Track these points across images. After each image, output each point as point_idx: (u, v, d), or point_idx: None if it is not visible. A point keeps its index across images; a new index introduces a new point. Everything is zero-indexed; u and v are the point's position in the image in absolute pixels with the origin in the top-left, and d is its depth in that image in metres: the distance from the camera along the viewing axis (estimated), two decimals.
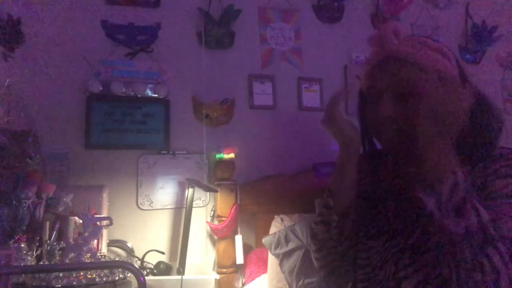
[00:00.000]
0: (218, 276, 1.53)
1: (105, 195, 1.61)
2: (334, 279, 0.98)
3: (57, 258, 1.28)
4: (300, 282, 1.44)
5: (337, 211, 0.92)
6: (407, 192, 0.88)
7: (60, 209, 1.41)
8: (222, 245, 1.73)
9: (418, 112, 0.77)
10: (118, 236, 1.67)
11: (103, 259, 1.39)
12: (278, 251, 1.52)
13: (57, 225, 1.37)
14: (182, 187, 1.80)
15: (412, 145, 0.78)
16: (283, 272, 1.49)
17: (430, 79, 0.82)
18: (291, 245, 1.51)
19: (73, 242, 1.32)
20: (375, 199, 0.96)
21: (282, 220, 1.65)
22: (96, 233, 1.35)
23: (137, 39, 1.85)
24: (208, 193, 1.81)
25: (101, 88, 1.74)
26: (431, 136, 0.76)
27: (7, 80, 1.52)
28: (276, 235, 1.55)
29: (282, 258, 1.51)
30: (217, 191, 1.74)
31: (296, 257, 1.49)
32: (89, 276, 1.18)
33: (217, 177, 1.79)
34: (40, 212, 1.33)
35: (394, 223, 0.89)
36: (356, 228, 0.94)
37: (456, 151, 0.77)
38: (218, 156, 1.79)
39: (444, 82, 0.82)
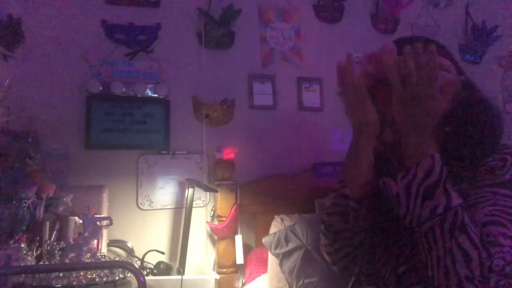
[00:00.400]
0: (218, 276, 1.53)
1: (105, 195, 1.61)
2: (350, 273, 0.96)
3: (57, 258, 1.28)
4: (300, 282, 1.44)
5: (356, 198, 0.91)
6: None
7: (60, 209, 1.41)
8: (222, 245, 1.73)
9: (395, 96, 0.80)
10: (118, 236, 1.67)
11: (103, 259, 1.39)
12: (278, 251, 1.52)
13: (57, 225, 1.37)
14: (182, 187, 1.80)
15: (393, 131, 0.82)
16: (283, 272, 1.49)
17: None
18: (291, 245, 1.51)
19: (73, 242, 1.32)
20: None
21: (282, 220, 1.65)
22: (96, 233, 1.35)
23: (137, 39, 1.85)
24: (208, 193, 1.81)
25: (101, 88, 1.74)
26: (410, 120, 0.78)
27: (7, 80, 1.52)
28: (276, 235, 1.55)
29: (282, 258, 1.51)
30: (217, 191, 1.74)
31: (296, 257, 1.49)
32: (89, 276, 1.18)
33: (217, 177, 1.79)
34: (40, 212, 1.33)
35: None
36: (370, 217, 0.92)
37: (440, 139, 0.80)
38: (218, 156, 1.79)
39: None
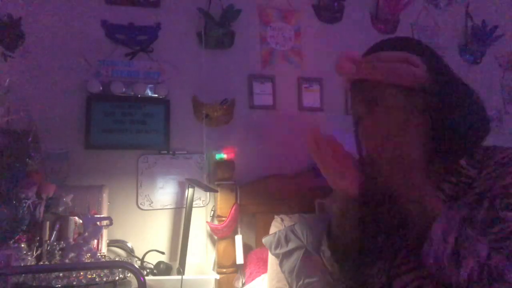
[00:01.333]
0: (218, 276, 1.53)
1: (105, 195, 1.61)
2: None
3: (57, 258, 1.28)
4: (300, 282, 1.44)
5: (336, 259, 0.91)
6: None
7: (60, 209, 1.41)
8: (222, 245, 1.73)
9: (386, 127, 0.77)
10: (118, 236, 1.67)
11: (103, 259, 1.39)
12: (278, 251, 1.52)
13: (57, 225, 1.37)
14: (182, 187, 1.80)
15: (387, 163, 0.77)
16: (283, 272, 1.49)
17: (395, 93, 0.78)
18: (291, 245, 1.51)
19: (73, 242, 1.32)
20: (371, 199, 0.90)
21: (282, 220, 1.65)
22: (96, 233, 1.35)
23: (137, 39, 1.85)
24: (208, 193, 1.81)
25: (101, 88, 1.74)
26: (399, 153, 0.75)
27: (7, 80, 1.52)
28: (276, 235, 1.55)
29: (282, 258, 1.51)
30: (217, 191, 1.74)
31: (296, 257, 1.49)
32: (89, 276, 1.18)
33: (217, 177, 1.79)
34: (40, 212, 1.33)
35: (389, 225, 0.84)
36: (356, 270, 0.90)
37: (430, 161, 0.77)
38: (218, 156, 1.79)
39: (408, 92, 0.77)
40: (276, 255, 1.53)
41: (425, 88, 0.75)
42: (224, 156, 1.79)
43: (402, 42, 0.87)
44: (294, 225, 1.57)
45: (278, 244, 1.53)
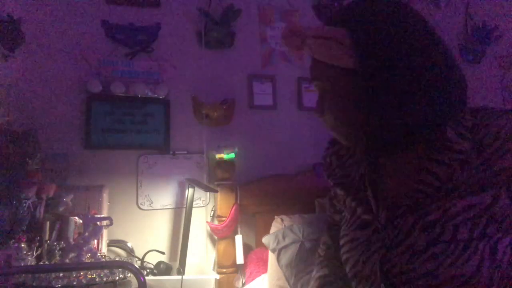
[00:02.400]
0: (218, 276, 1.53)
1: (105, 195, 1.61)
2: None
3: (57, 258, 1.28)
4: (297, 275, 1.44)
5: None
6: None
7: (60, 209, 1.41)
8: (222, 245, 1.73)
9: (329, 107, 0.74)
10: (118, 236, 1.67)
11: (103, 259, 1.39)
12: (275, 246, 1.52)
13: (57, 225, 1.37)
14: (182, 187, 1.80)
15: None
16: (281, 266, 1.49)
17: (333, 71, 0.71)
18: (287, 240, 1.51)
19: (73, 242, 1.33)
20: (357, 188, 0.83)
21: (282, 220, 1.65)
22: (96, 233, 1.35)
23: (137, 39, 1.85)
24: (208, 193, 1.81)
25: (101, 88, 1.74)
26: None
27: (7, 80, 1.52)
28: (276, 234, 1.55)
29: (279, 252, 1.51)
30: (217, 191, 1.74)
31: (292, 250, 1.48)
32: (89, 276, 1.18)
33: (217, 177, 1.79)
34: (40, 212, 1.33)
35: (378, 215, 0.76)
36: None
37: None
38: (218, 156, 1.79)
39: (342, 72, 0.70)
40: (274, 251, 1.53)
41: (355, 70, 0.67)
42: (224, 156, 1.79)
43: (346, 14, 0.72)
44: (292, 225, 1.57)
45: (276, 241, 1.53)
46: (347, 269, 0.82)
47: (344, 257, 0.83)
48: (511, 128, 0.66)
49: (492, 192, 0.63)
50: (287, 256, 1.48)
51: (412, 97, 0.66)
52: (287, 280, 1.46)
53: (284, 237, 1.52)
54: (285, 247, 1.50)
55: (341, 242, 0.85)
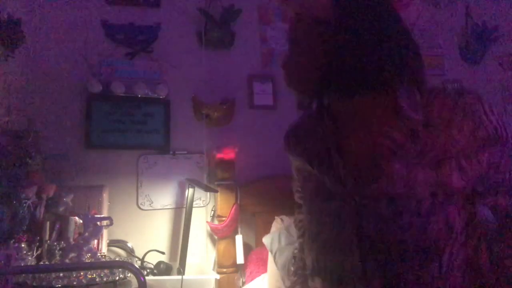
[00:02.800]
0: (218, 276, 1.53)
1: (105, 195, 1.61)
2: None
3: (57, 258, 1.28)
4: (292, 277, 1.44)
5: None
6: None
7: (60, 209, 1.41)
8: (222, 245, 1.73)
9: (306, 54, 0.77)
10: (118, 236, 1.67)
11: (103, 259, 1.39)
12: (273, 247, 1.52)
13: (57, 225, 1.37)
14: (182, 187, 1.80)
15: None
16: (278, 268, 1.49)
17: (306, 27, 0.76)
18: (284, 242, 1.51)
19: (73, 242, 1.33)
20: (321, 158, 0.83)
21: (282, 220, 1.65)
22: (97, 233, 1.36)
23: (137, 39, 1.85)
24: (208, 193, 1.81)
25: (101, 88, 1.74)
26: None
27: (7, 80, 1.52)
28: (276, 234, 1.55)
29: (276, 253, 1.51)
30: (217, 191, 1.74)
31: (289, 251, 1.48)
32: (89, 276, 1.18)
33: (217, 177, 1.79)
34: (40, 212, 1.33)
35: (346, 183, 0.76)
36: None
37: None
38: (218, 156, 1.79)
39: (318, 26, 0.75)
40: (272, 251, 1.53)
41: (330, 22, 0.73)
42: (224, 156, 1.78)
43: None
44: (290, 226, 1.57)
45: (274, 242, 1.53)
46: (318, 242, 0.82)
47: (315, 230, 0.83)
48: (451, 109, 0.72)
49: (446, 167, 0.69)
50: (283, 258, 1.48)
51: (372, 51, 0.72)
52: (283, 281, 1.46)
53: (281, 239, 1.52)
54: (281, 249, 1.50)
55: (308, 217, 0.87)
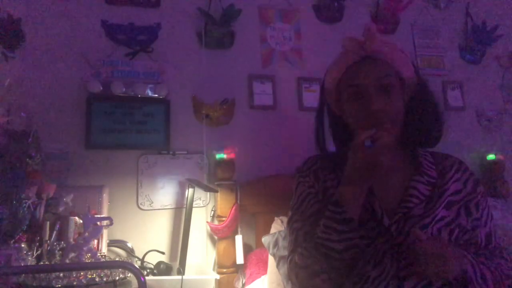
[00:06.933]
0: (218, 276, 1.53)
1: (105, 195, 1.61)
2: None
3: (57, 258, 1.28)
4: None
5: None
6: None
7: (60, 209, 1.41)
8: (222, 245, 1.73)
9: (397, 102, 0.96)
10: (118, 236, 1.67)
11: (103, 259, 1.39)
12: (275, 251, 1.52)
13: (57, 225, 1.37)
14: (182, 187, 1.80)
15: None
16: (281, 274, 1.49)
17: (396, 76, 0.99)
18: (282, 243, 1.50)
19: (73, 242, 1.33)
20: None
21: (282, 221, 1.65)
22: (96, 233, 1.35)
23: (137, 39, 1.85)
24: (208, 193, 1.81)
25: (101, 88, 1.74)
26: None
27: (7, 80, 1.52)
28: (275, 236, 1.55)
29: (279, 261, 1.50)
30: (217, 191, 1.74)
31: None
32: (89, 276, 1.18)
33: (217, 177, 1.79)
34: (40, 212, 1.33)
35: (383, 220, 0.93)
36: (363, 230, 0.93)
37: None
38: (218, 156, 1.79)
39: (402, 81, 0.99)
40: (274, 256, 1.53)
41: (413, 82, 1.00)
42: (224, 156, 1.78)
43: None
44: None
45: (275, 245, 1.53)
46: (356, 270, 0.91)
47: (347, 256, 0.90)
48: (458, 164, 1.03)
49: (455, 209, 0.95)
50: (286, 267, 1.48)
51: (436, 117, 1.02)
52: (283, 284, 1.46)
53: (284, 245, 1.51)
54: (285, 257, 1.49)
55: (341, 246, 0.90)
